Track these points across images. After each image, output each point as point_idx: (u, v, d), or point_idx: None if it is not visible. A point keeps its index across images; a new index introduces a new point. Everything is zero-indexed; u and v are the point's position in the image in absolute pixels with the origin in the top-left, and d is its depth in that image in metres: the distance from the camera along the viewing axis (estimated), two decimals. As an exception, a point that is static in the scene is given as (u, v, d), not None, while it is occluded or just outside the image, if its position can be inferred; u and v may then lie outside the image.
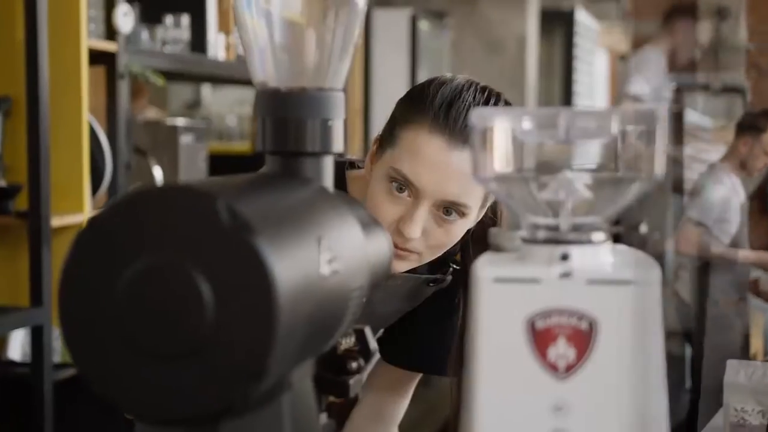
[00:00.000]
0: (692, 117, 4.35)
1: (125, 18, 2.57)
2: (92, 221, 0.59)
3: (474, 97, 1.23)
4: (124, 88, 2.63)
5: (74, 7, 2.41)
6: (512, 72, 5.65)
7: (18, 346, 2.56)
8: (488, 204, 1.31)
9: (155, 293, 0.58)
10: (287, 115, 0.74)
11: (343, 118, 0.77)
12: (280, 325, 0.58)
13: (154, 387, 0.59)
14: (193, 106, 5.43)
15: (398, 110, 1.27)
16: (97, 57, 2.57)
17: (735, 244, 4.08)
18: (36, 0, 2.27)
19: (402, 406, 1.51)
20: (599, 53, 8.58)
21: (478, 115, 0.66)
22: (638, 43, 9.83)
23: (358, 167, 1.39)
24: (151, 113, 3.96)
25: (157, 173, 2.91)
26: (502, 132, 0.66)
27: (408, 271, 1.34)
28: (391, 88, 4.34)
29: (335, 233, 0.68)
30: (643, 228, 3.81)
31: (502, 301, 0.65)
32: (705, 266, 4.11)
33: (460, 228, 1.25)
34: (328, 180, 0.76)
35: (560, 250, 0.65)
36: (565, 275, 0.64)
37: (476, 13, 5.64)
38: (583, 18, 7.48)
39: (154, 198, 0.59)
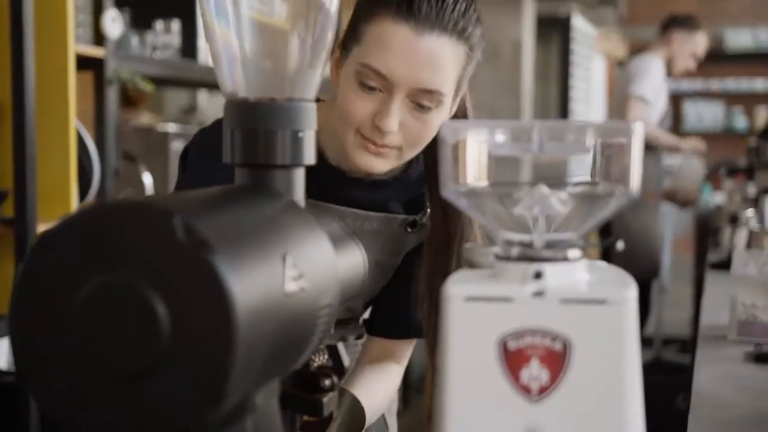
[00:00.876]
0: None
1: (114, 23, 2.55)
2: (44, 237, 0.57)
3: None
4: (112, 93, 2.60)
5: (61, 11, 2.39)
6: (508, 77, 5.63)
7: (4, 355, 2.54)
8: (461, 93, 1.29)
9: (109, 312, 0.56)
10: (256, 126, 0.72)
11: (314, 129, 0.74)
12: (240, 346, 0.55)
13: (109, 408, 0.57)
14: (188, 112, 5.41)
15: (360, 6, 1.25)
16: (85, 62, 2.55)
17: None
18: (22, 4, 2.24)
19: (400, 372, 1.47)
20: (596, 59, 8.57)
21: (448, 128, 0.64)
22: (635, 49, 9.85)
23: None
24: (145, 119, 3.94)
25: (147, 180, 2.88)
26: (474, 145, 0.64)
27: (385, 212, 1.35)
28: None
29: (302, 249, 0.66)
30: (620, 245, 3.87)
31: (473, 321, 0.63)
32: None
33: (436, 119, 1.24)
34: (299, 192, 0.74)
35: (534, 267, 0.63)
36: (538, 294, 0.62)
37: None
38: (579, 24, 7.47)
39: (109, 214, 0.57)
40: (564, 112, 7.32)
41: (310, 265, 0.66)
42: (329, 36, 0.75)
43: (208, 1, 0.74)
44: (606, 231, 4.13)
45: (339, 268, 0.72)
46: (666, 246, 5.75)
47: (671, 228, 5.80)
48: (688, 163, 4.66)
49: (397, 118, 1.21)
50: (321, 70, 0.75)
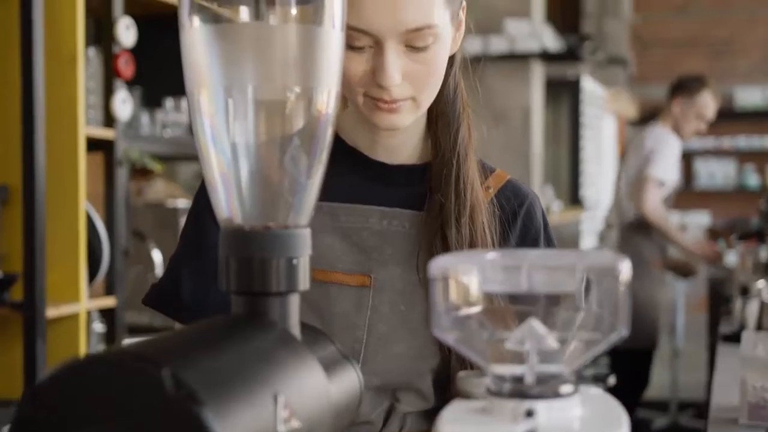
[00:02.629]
0: None
1: (124, 105, 2.58)
2: (34, 389, 0.58)
3: None
4: (122, 174, 2.63)
5: (72, 94, 2.42)
6: (517, 142, 5.66)
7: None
8: (461, 9, 1.20)
9: (99, 465, 0.56)
10: (252, 255, 0.72)
11: (309, 255, 0.75)
12: (229, 497, 0.55)
13: None
14: (201, 177, 5.44)
15: None
16: (95, 144, 2.57)
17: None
18: (33, 88, 2.28)
19: None
20: (607, 118, 8.60)
21: (437, 266, 0.64)
22: (645, 108, 9.90)
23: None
24: (159, 186, 3.97)
25: (157, 257, 2.89)
26: (463, 282, 0.65)
27: (414, 209, 1.22)
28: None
29: (295, 385, 0.66)
30: (611, 380, 3.88)
31: (465, 460, 0.62)
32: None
33: (439, 53, 1.15)
34: (294, 318, 0.74)
35: (525, 405, 0.63)
36: (530, 434, 0.62)
37: (482, 84, 5.65)
38: (589, 85, 7.51)
39: (98, 366, 0.57)
40: (575, 173, 7.34)
41: (303, 402, 0.66)
42: (321, 164, 0.76)
43: (203, 128, 0.74)
44: None
45: (332, 397, 0.72)
46: (680, 309, 5.72)
47: (684, 290, 5.78)
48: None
49: (395, 69, 1.12)
50: (315, 195, 0.76)
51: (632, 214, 4.41)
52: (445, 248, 1.20)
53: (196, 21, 0.73)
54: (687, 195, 10.19)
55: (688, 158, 10.18)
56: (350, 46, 1.12)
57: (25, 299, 2.26)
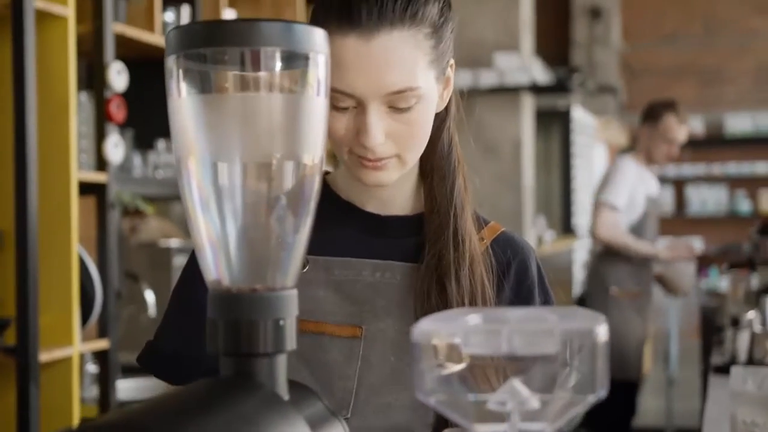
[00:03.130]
0: None
1: (115, 149, 2.61)
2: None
3: None
4: (114, 217, 2.65)
5: (64, 139, 2.44)
6: (509, 174, 5.69)
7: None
8: (447, 66, 1.21)
9: None
10: (239, 317, 0.74)
11: (295, 315, 0.77)
12: None
13: None
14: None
15: None
16: (87, 187, 2.59)
17: (637, 235, 4.30)
18: (26, 133, 2.30)
19: None
20: (597, 147, 8.65)
21: (420, 330, 0.66)
22: (635, 135, 9.96)
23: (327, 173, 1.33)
24: (153, 224, 3.98)
25: (150, 298, 2.91)
26: (445, 345, 0.66)
27: (409, 262, 1.23)
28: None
29: (282, 448, 0.68)
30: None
31: None
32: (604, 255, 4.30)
33: (423, 113, 1.16)
34: (281, 378, 0.76)
35: (507, 464, 0.65)
36: (511, 495, 0.63)
37: (472, 117, 5.69)
38: (579, 115, 7.56)
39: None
40: (566, 202, 7.38)
41: (290, 463, 0.68)
42: (307, 225, 0.78)
43: (191, 194, 0.76)
44: None
45: (320, 458, 0.73)
46: (673, 336, 5.73)
47: (677, 317, 5.80)
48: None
49: (378, 130, 1.14)
50: (301, 256, 0.78)
51: (597, 244, 4.46)
52: (444, 300, 1.21)
53: (184, 91, 0.75)
54: (679, 221, 10.24)
55: (680, 185, 10.24)
56: (335, 107, 1.13)
57: (18, 344, 2.27)
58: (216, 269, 0.76)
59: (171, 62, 0.75)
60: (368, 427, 1.19)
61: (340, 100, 1.13)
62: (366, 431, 1.18)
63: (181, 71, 0.75)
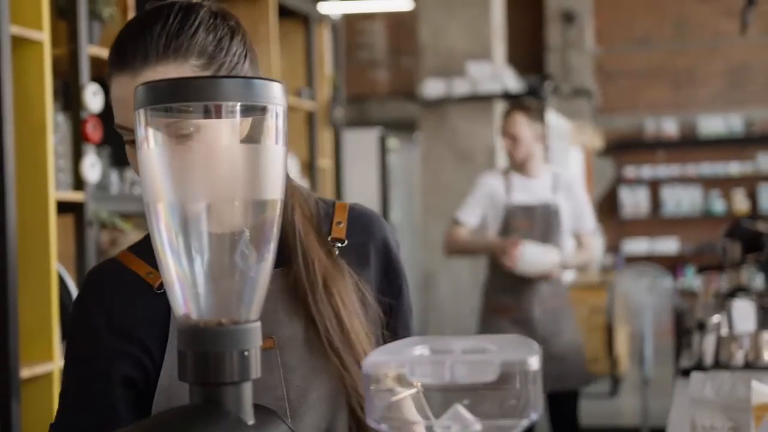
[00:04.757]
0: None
1: (92, 168, 2.66)
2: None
3: (148, 19, 1.20)
4: (92, 234, 2.70)
5: (42, 159, 2.49)
6: (483, 180, 5.76)
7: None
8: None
9: None
10: (207, 350, 0.80)
11: (259, 345, 0.83)
12: None
13: None
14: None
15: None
16: (65, 206, 2.64)
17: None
18: (4, 154, 2.35)
19: None
20: (573, 150, 8.73)
21: (369, 363, 0.73)
22: (611, 138, 10.05)
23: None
24: (132, 237, 4.01)
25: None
26: (393, 376, 0.73)
27: None
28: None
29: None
30: None
31: None
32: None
33: (207, 143, 1.11)
34: (247, 405, 0.82)
35: (451, 484, 0.71)
36: None
37: (445, 124, 5.78)
38: (554, 120, 7.64)
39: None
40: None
41: (254, 485, 0.74)
42: (269, 261, 0.84)
43: (160, 236, 0.83)
44: None
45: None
46: (648, 337, 5.82)
47: (651, 319, 5.88)
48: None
49: None
50: (264, 290, 0.84)
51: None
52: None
53: (152, 142, 0.81)
54: (655, 222, 10.36)
55: (655, 186, 10.36)
56: (126, 142, 1.21)
57: (-2, 362, 2.33)
58: (185, 304, 0.83)
59: (140, 115, 0.81)
60: (310, 425, 1.25)
61: (127, 134, 1.20)
62: (310, 428, 1.25)
63: (149, 123, 0.81)
